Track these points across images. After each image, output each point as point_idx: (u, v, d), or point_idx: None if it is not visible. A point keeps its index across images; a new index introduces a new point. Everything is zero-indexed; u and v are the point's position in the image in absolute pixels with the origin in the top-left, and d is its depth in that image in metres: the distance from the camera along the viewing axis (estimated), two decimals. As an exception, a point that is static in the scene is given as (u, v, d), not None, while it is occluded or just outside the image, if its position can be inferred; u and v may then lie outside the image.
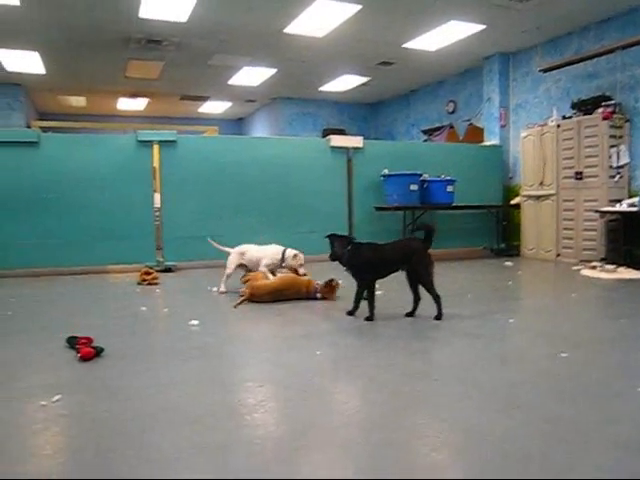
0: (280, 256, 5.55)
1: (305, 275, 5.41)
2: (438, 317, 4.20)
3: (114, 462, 1.94)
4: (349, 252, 4.35)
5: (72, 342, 3.43)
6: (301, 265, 5.47)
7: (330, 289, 5.19)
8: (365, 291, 4.34)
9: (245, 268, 5.71)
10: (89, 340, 3.42)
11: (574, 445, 2.03)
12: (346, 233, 5.78)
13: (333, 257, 4.47)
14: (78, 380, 2.89)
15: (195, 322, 4.20)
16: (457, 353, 3.35)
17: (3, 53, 8.99)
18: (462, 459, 1.99)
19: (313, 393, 2.66)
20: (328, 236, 4.53)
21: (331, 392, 2.74)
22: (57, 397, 2.54)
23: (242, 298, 5.07)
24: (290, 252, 5.54)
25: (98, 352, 3.28)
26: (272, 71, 10.63)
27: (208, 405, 2.48)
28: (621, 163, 7.52)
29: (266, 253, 5.63)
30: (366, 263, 4.29)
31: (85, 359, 3.18)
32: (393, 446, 2.04)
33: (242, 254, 5.71)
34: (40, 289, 6.16)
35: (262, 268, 5.51)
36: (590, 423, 2.24)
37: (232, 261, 5.70)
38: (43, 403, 2.48)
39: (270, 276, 5.43)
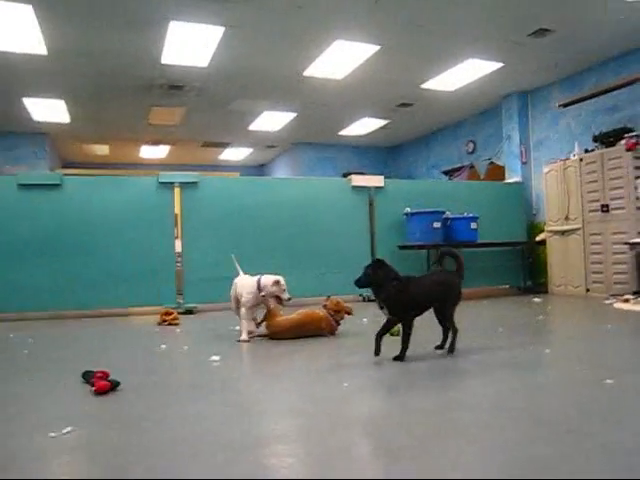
0: (255, 287, 4.86)
1: (289, 299, 4.82)
2: (451, 350, 3.89)
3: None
4: (395, 288, 3.72)
5: (87, 376, 3.26)
6: (284, 291, 4.82)
7: (338, 308, 4.92)
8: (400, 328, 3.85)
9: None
10: (105, 374, 3.24)
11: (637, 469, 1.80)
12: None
13: (364, 283, 3.80)
14: (91, 412, 2.71)
15: (216, 357, 4.01)
16: (495, 383, 3.11)
17: (31, 102, 9.18)
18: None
19: (342, 423, 2.44)
20: (375, 260, 3.91)
21: (360, 422, 2.51)
22: (68, 429, 2.35)
23: (253, 334, 4.86)
24: (267, 279, 4.82)
25: (114, 386, 3.11)
26: (292, 115, 10.70)
27: (233, 435, 2.28)
28: (648, 194, 7.30)
29: (244, 287, 4.94)
30: (413, 300, 3.78)
31: (100, 392, 3.00)
32: (440, 473, 1.82)
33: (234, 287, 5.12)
34: (59, 330, 6.02)
35: (242, 310, 4.86)
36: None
37: (231, 296, 5.17)
38: (52, 435, 2.29)
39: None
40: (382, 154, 14.22)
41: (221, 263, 7.50)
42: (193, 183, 7.70)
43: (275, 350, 4.46)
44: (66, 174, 8.71)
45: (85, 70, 7.88)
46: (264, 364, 4.10)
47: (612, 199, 7.55)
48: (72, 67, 7.73)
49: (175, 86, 8.60)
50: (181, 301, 7.43)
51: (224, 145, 13.45)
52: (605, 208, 7.62)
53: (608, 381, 2.95)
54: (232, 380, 3.40)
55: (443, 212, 8.35)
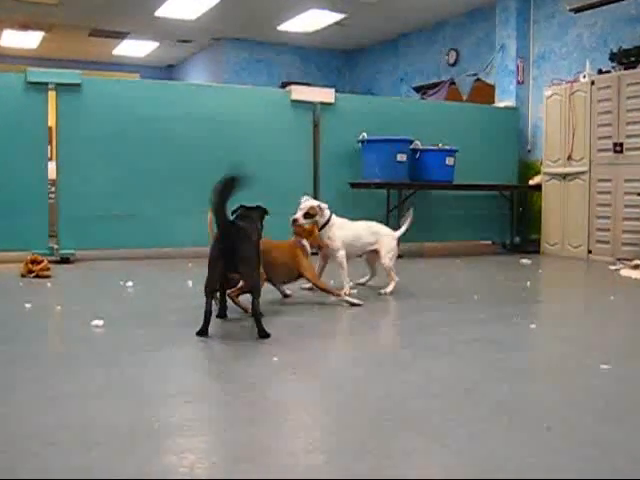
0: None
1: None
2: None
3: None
4: None
5: None
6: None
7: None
8: None
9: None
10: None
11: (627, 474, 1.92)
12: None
13: None
14: None
15: (99, 322, 3.98)
16: (467, 364, 3.22)
17: None
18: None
19: (259, 411, 2.50)
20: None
21: (285, 413, 2.57)
22: None
23: None
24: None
25: (-43, 356, 3.06)
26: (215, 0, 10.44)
27: (118, 424, 2.28)
28: (673, 132, 7.56)
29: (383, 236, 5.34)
30: None
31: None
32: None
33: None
34: None
35: (386, 260, 5.17)
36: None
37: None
38: None
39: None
40: (335, 60, 14.22)
41: (113, 197, 7.49)
42: (75, 85, 7.46)
43: (181, 315, 4.43)
44: None
45: None
46: (164, 333, 4.07)
47: (628, 137, 7.78)
48: None
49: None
50: (55, 246, 7.31)
51: (120, 35, 13.10)
52: (619, 148, 7.85)
53: (604, 367, 3.10)
54: (119, 352, 3.38)
55: (411, 141, 8.43)
